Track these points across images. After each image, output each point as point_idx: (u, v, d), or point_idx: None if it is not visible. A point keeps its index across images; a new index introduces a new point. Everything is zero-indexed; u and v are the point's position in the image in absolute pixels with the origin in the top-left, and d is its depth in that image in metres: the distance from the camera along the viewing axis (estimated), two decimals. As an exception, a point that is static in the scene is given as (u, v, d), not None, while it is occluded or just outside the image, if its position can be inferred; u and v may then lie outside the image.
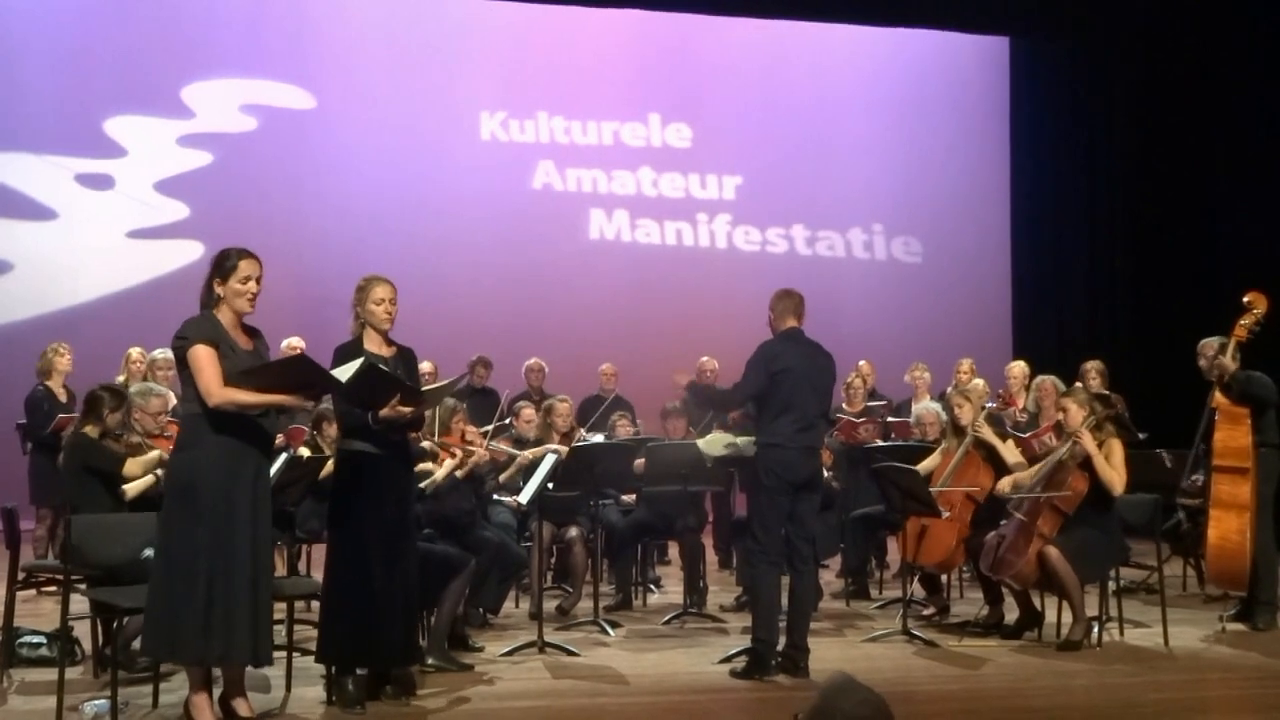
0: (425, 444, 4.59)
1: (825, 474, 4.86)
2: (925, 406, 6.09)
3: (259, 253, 3.25)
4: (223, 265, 3.21)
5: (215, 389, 3.04)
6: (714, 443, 5.06)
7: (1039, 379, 6.16)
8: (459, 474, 4.75)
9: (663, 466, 5.22)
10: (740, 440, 4.84)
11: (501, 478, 5.39)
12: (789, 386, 4.07)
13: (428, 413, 4.33)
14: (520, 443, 5.70)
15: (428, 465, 4.59)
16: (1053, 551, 4.43)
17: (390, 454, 3.53)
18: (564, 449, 5.17)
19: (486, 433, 5.19)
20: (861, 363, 7.37)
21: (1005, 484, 4.82)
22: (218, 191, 8.13)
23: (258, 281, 3.23)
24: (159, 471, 3.86)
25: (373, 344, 3.64)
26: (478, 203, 9.01)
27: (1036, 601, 4.72)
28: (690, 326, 9.01)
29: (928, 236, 9.92)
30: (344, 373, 3.33)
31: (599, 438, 5.91)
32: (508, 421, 6.08)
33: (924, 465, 5.09)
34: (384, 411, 3.44)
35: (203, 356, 3.06)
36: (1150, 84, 9.02)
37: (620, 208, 9.56)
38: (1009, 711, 3.50)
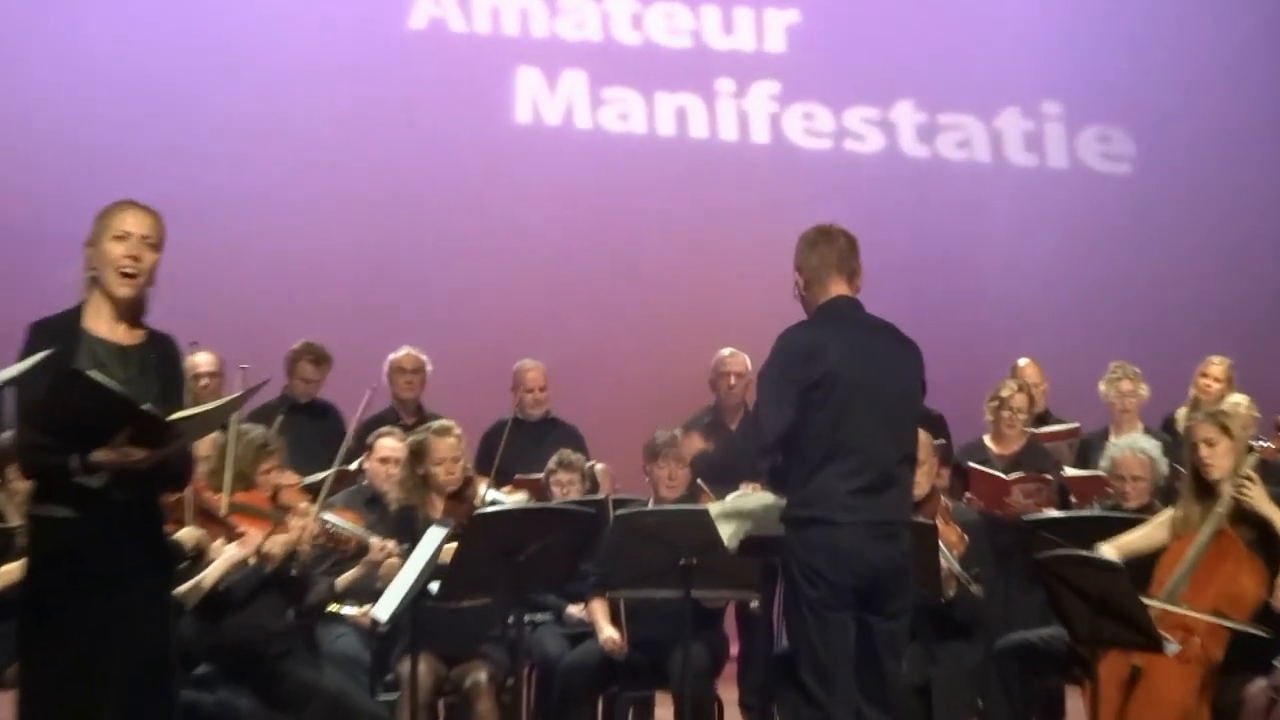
0: (193, 529, 4.85)
1: (950, 569, 5.21)
2: (1132, 445, 6.28)
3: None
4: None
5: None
6: (734, 516, 5.04)
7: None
8: (263, 565, 4.99)
9: (645, 555, 5.44)
10: (750, 504, 4.98)
11: (342, 579, 5.68)
12: (836, 407, 4.31)
13: (204, 452, 4.60)
14: (377, 506, 6.01)
15: (217, 544, 4.91)
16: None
17: (117, 532, 3.62)
18: (455, 521, 5.44)
19: (317, 489, 5.48)
20: (1023, 362, 7.76)
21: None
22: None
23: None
24: None
25: (98, 320, 3.73)
26: (308, 52, 9.64)
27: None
28: (698, 290, 9.51)
29: (1144, 129, 10.34)
30: (11, 373, 3.55)
31: (519, 499, 6.24)
32: (356, 466, 6.43)
33: (1127, 547, 5.28)
34: (101, 454, 3.50)
35: None
36: None
37: (573, 66, 10.01)
38: None
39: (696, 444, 6.22)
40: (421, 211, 9.76)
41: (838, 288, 4.48)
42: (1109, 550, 5.15)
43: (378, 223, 9.65)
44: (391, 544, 5.56)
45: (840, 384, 4.32)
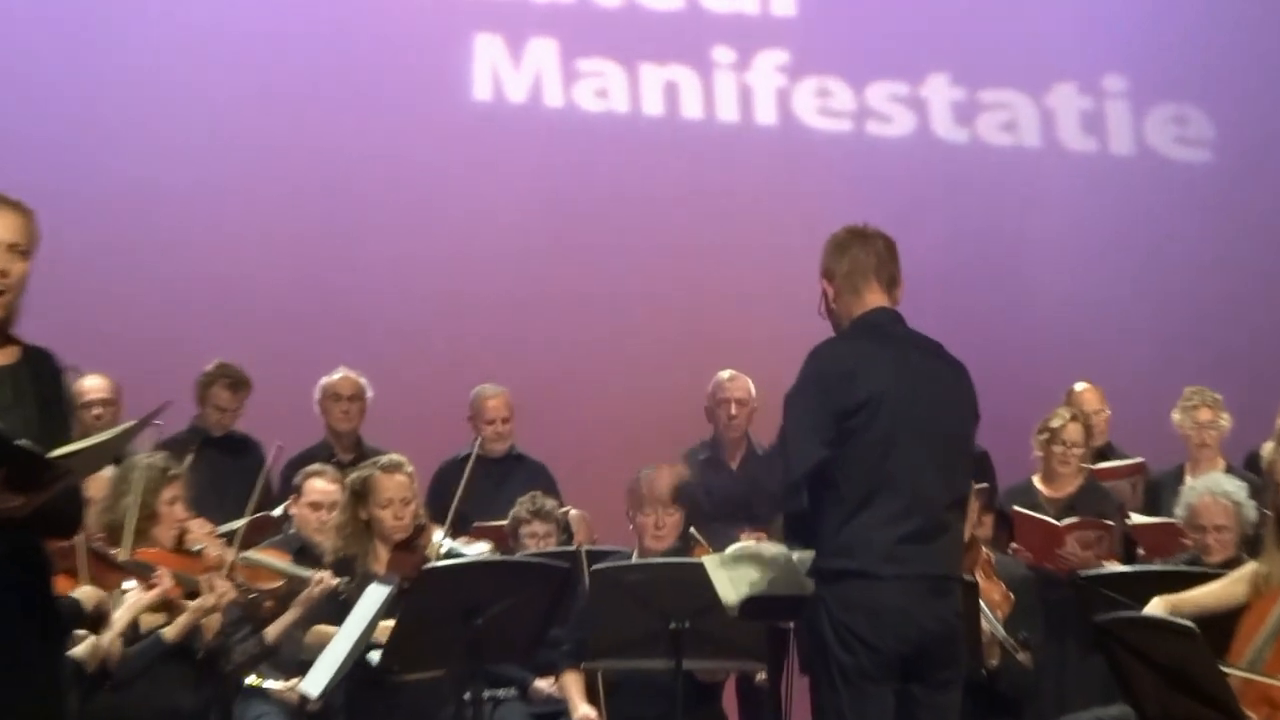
0: (91, 588, 4.84)
1: (994, 633, 5.25)
2: (1214, 488, 6.27)
3: None
4: None
5: None
6: (736, 571, 4.99)
7: None
8: (167, 631, 5.03)
9: (628, 618, 5.44)
10: (755, 556, 4.98)
11: (272, 629, 5.70)
12: (879, 438, 4.35)
13: (97, 492, 4.72)
14: (307, 559, 6.00)
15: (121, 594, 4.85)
16: None
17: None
18: (402, 575, 5.51)
19: (230, 538, 5.53)
20: (1079, 387, 7.71)
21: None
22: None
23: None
24: None
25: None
26: (224, 15, 9.55)
27: None
28: (692, 301, 9.47)
29: (1224, 109, 10.23)
30: None
31: (480, 550, 6.29)
32: (280, 512, 6.53)
33: (1194, 605, 5.27)
34: None
35: None
36: None
37: (542, 33, 9.89)
38: None
39: (665, 479, 6.23)
40: (360, 206, 9.62)
41: (875, 298, 4.53)
42: (1160, 605, 5.21)
43: (308, 219, 9.49)
44: (327, 574, 5.65)
45: (884, 411, 4.35)
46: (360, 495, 6.02)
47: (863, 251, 4.54)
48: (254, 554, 5.76)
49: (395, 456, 6.17)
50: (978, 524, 5.94)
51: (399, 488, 6.01)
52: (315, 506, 6.43)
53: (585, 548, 6.54)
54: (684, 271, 9.68)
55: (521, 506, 6.86)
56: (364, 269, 9.49)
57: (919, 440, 4.39)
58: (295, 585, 5.76)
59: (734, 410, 7.73)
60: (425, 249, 9.59)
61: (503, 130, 9.86)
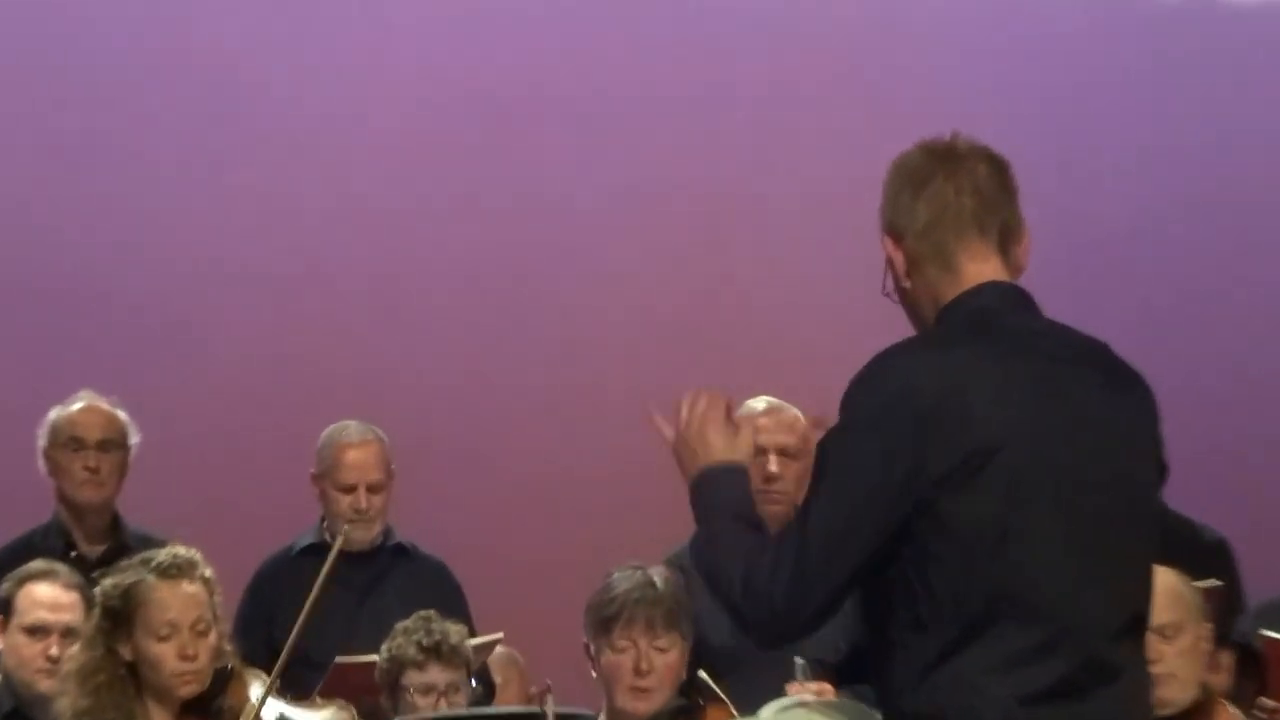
0: None
1: None
2: None
3: None
4: None
5: None
6: None
7: None
8: None
9: None
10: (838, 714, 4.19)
11: None
12: (990, 520, 3.49)
13: None
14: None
15: None
16: None
17: None
18: None
19: None
20: None
21: None
22: None
23: None
24: None
25: None
26: None
27: None
28: (691, 279, 8.50)
29: None
30: None
31: (331, 716, 5.70)
32: None
33: None
34: None
35: None
36: None
37: None
38: None
39: (651, 585, 5.49)
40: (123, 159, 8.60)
41: (980, 267, 3.64)
42: None
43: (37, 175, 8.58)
44: None
45: (1005, 472, 3.46)
46: (119, 618, 5.09)
47: (951, 185, 3.59)
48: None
49: (180, 550, 5.18)
50: (1211, 664, 5.26)
51: (187, 604, 5.08)
52: (34, 633, 5.53)
53: (518, 709, 6.13)
54: (679, 230, 8.39)
55: (405, 638, 5.82)
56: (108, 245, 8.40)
57: (1064, 521, 3.49)
58: None
59: (774, 467, 5.99)
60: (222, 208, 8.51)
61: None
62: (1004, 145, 3.81)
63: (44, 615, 5.51)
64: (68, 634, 5.39)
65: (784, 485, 6.09)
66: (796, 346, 7.97)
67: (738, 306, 8.58)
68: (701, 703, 5.62)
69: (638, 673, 5.40)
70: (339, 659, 6.23)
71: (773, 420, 6.21)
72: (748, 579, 3.54)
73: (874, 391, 3.54)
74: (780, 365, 7.56)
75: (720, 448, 3.71)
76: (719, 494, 3.74)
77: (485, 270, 8.92)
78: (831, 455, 3.55)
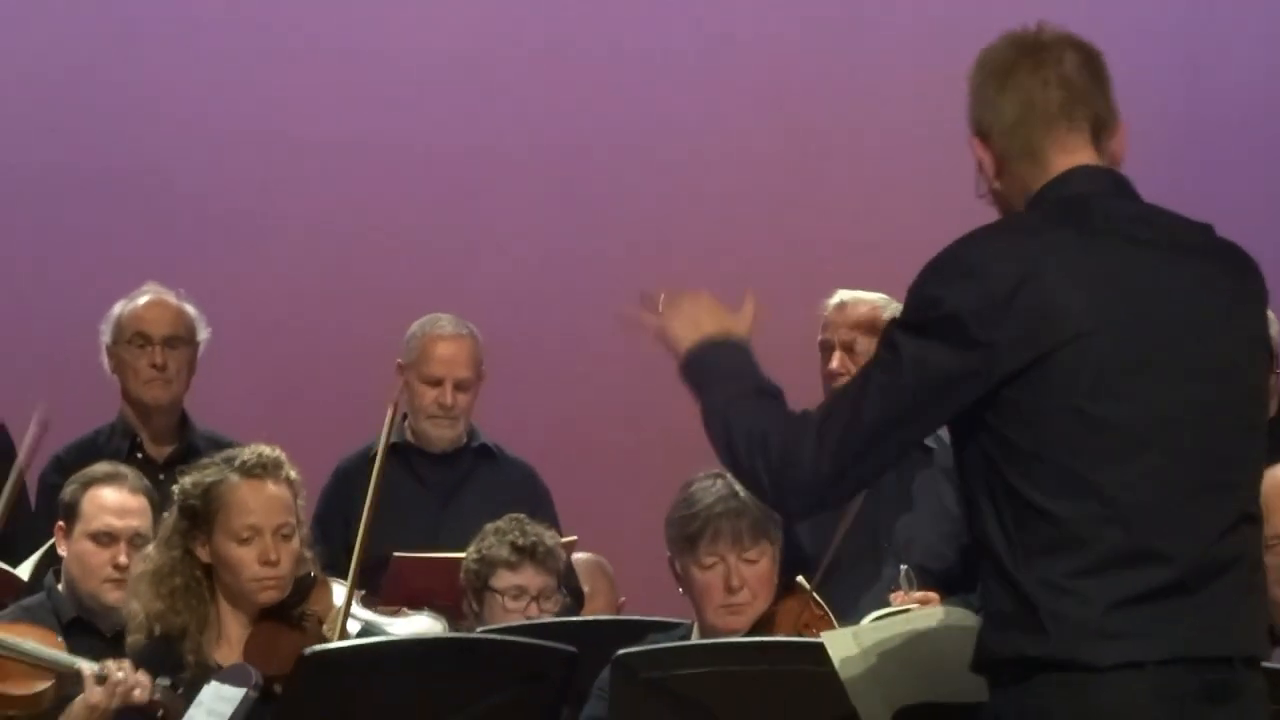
0: None
1: None
2: None
3: None
4: None
5: None
6: (875, 659, 3.96)
7: None
8: None
9: None
10: (918, 631, 3.95)
11: None
12: (1077, 415, 3.41)
13: None
14: (87, 638, 5.50)
15: None
16: None
17: None
18: (267, 672, 4.67)
19: None
20: None
21: None
22: None
23: None
24: None
25: None
26: None
27: None
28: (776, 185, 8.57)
29: None
30: None
31: (417, 624, 5.73)
32: (36, 559, 5.92)
33: None
34: None
35: None
36: None
37: None
38: None
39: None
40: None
41: (1072, 154, 3.52)
42: None
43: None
44: (126, 666, 4.68)
45: (1086, 364, 3.37)
46: (198, 518, 4.94)
47: (1038, 79, 3.49)
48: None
49: (265, 449, 5.03)
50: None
51: (271, 506, 4.89)
52: (104, 540, 5.35)
53: (606, 617, 6.09)
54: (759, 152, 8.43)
55: (498, 538, 5.66)
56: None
57: (1163, 414, 3.39)
58: (64, 687, 4.87)
59: (835, 364, 6.11)
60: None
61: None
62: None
63: (111, 521, 5.38)
64: (135, 540, 5.29)
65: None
66: (874, 247, 7.80)
67: (828, 204, 8.44)
68: (800, 607, 5.43)
69: (728, 589, 5.24)
70: (396, 554, 6.06)
71: (854, 308, 6.23)
72: (786, 449, 3.43)
73: (946, 277, 3.47)
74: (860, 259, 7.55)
75: (710, 325, 3.63)
76: (720, 363, 3.64)
77: (575, 168, 8.74)
78: (898, 338, 3.47)
